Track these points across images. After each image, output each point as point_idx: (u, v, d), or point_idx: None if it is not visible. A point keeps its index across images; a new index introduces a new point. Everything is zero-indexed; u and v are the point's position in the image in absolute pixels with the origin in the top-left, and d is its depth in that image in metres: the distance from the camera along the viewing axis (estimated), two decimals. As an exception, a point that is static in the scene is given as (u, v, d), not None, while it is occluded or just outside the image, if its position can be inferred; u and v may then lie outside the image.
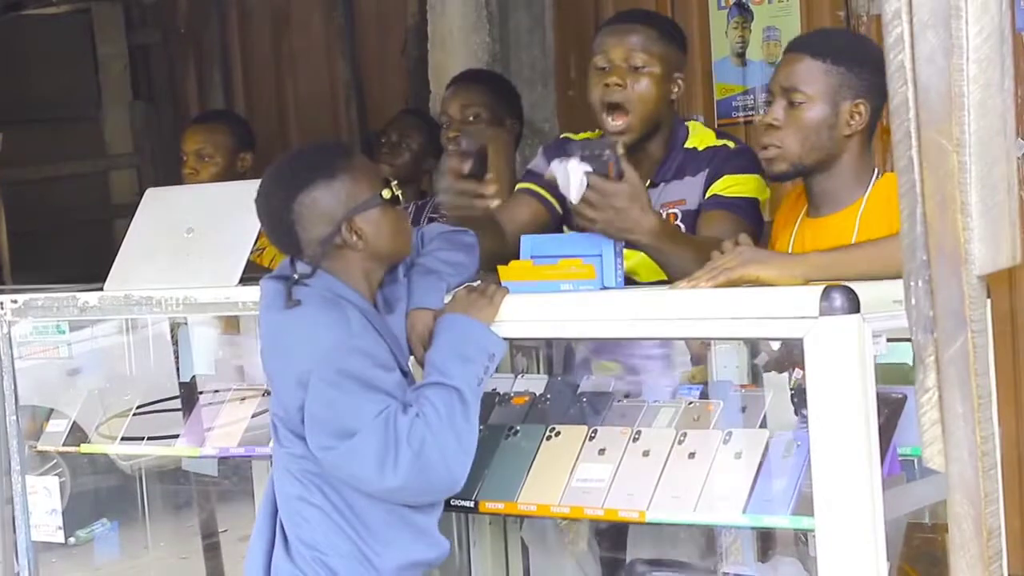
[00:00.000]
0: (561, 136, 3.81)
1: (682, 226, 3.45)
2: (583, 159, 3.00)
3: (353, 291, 2.85)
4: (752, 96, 5.43)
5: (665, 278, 3.17)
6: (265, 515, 2.95)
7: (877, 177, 3.14)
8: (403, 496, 2.77)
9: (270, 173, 2.95)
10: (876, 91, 3.03)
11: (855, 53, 3.14)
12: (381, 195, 2.87)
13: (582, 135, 3.70)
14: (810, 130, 3.10)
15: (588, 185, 2.98)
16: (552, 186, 3.49)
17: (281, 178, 2.92)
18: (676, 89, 3.51)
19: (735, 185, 3.46)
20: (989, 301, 2.09)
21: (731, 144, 3.56)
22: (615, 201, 2.98)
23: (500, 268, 2.96)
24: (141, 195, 3.90)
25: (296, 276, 2.84)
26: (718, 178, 3.46)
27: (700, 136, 3.57)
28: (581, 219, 3.03)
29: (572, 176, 2.99)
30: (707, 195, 3.47)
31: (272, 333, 2.90)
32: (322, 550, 2.82)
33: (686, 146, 3.54)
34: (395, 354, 2.84)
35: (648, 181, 3.45)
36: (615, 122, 3.43)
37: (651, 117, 3.46)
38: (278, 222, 2.90)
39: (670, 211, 3.48)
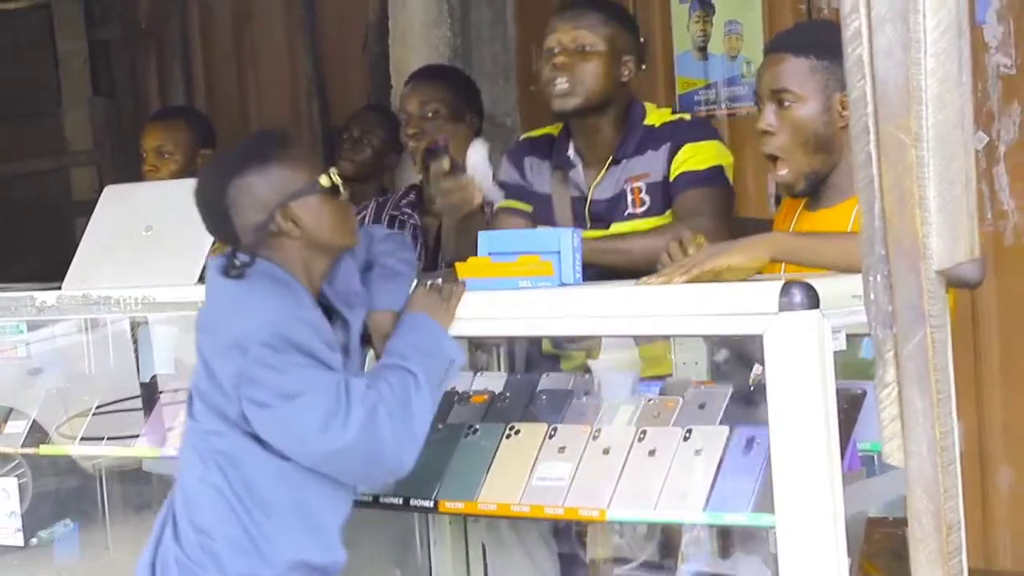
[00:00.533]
0: (521, 138, 3.93)
1: (647, 198, 3.56)
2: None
3: (294, 279, 2.78)
4: (714, 90, 5.43)
5: None
6: (168, 502, 2.88)
7: None
8: (343, 463, 2.68)
9: (207, 162, 2.92)
10: None
11: (837, 44, 3.10)
12: (318, 182, 2.81)
13: (540, 131, 3.77)
14: (807, 130, 3.07)
15: None
16: (526, 193, 3.57)
17: (216, 166, 2.90)
18: (627, 72, 3.62)
19: (697, 155, 3.55)
20: (948, 295, 2.09)
21: (686, 116, 3.71)
22: None
23: (457, 265, 2.95)
24: (101, 192, 3.87)
25: (237, 263, 2.77)
26: (679, 149, 3.56)
27: (657, 114, 3.68)
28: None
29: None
30: (674, 171, 3.56)
31: (212, 302, 2.83)
32: (210, 534, 2.73)
33: (645, 123, 3.65)
34: (346, 345, 2.79)
35: (609, 158, 3.62)
36: (561, 101, 3.56)
37: (598, 96, 3.57)
38: (213, 209, 2.83)
39: (634, 185, 3.58)
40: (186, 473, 2.82)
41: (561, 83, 3.55)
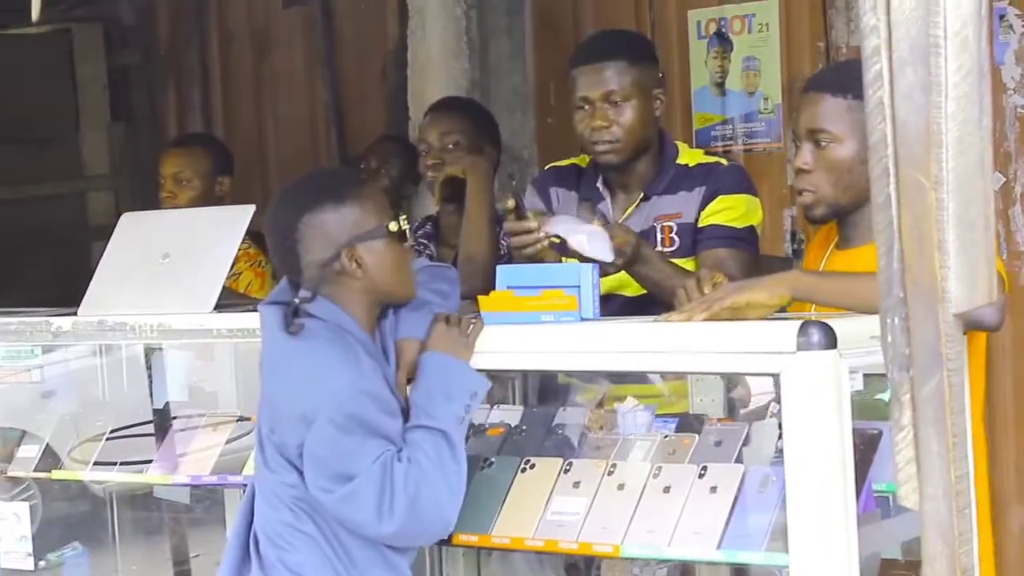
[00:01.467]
0: (547, 168, 3.88)
1: (677, 239, 3.55)
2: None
3: (354, 322, 2.82)
4: (731, 126, 5.44)
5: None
6: (237, 534, 2.93)
7: None
8: (398, 540, 2.79)
9: (282, 192, 2.96)
10: None
11: None
12: (387, 226, 2.85)
13: (567, 161, 3.76)
14: (842, 169, 3.05)
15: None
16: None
17: (291, 197, 2.92)
18: (658, 104, 3.62)
19: (731, 209, 3.54)
20: (965, 338, 2.09)
21: (723, 161, 3.67)
22: None
23: (480, 299, 2.95)
24: (118, 217, 3.88)
25: (297, 301, 2.82)
26: (714, 197, 3.55)
27: (690, 154, 3.67)
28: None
29: (591, 239, 3.10)
30: (704, 218, 3.55)
31: (276, 359, 2.87)
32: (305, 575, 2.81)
33: (677, 162, 3.63)
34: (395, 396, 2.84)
35: (640, 195, 3.61)
36: (606, 156, 3.56)
37: (640, 141, 3.57)
38: (282, 240, 2.87)
39: (665, 223, 3.57)
40: (270, 515, 2.86)
41: (603, 145, 3.53)
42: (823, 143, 3.06)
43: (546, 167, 3.89)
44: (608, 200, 3.64)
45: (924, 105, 1.99)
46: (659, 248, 3.54)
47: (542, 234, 3.15)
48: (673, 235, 3.56)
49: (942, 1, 1.95)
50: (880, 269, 2.06)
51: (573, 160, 3.78)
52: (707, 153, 3.71)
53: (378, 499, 2.69)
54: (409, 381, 2.88)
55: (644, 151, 3.60)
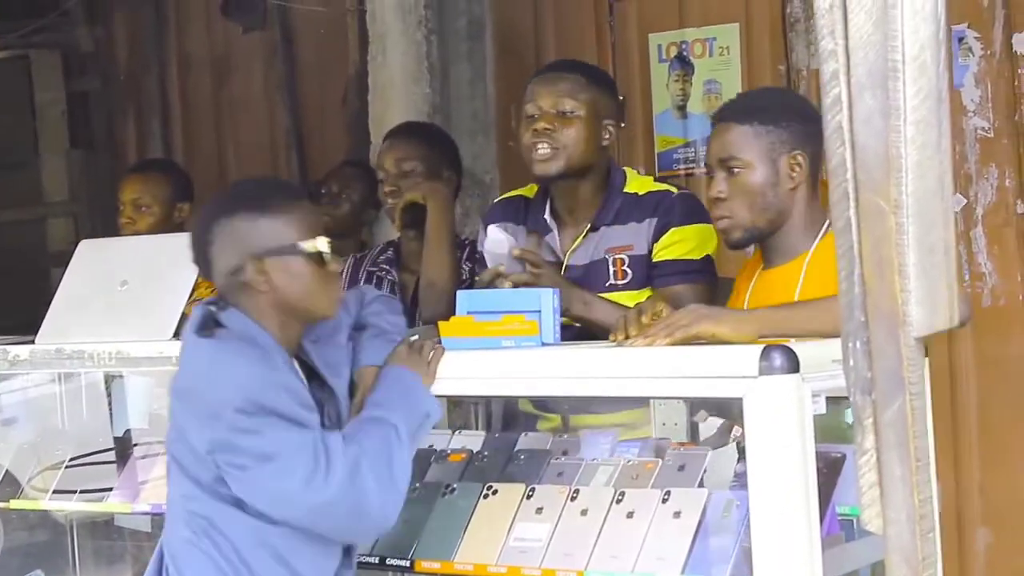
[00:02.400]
0: (494, 202, 3.90)
1: (630, 271, 3.50)
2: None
3: (268, 335, 2.73)
4: (693, 149, 5.45)
5: None
6: (156, 557, 2.87)
7: (828, 228, 3.15)
8: (327, 517, 2.66)
9: (213, 195, 2.89)
10: (809, 139, 3.09)
11: (779, 108, 3.20)
12: (302, 245, 2.74)
13: (514, 192, 3.76)
14: (756, 194, 3.14)
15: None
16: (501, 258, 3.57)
17: (216, 200, 2.86)
18: (607, 136, 3.58)
19: (684, 241, 3.50)
20: (927, 360, 2.09)
21: (673, 190, 3.61)
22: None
23: (441, 324, 2.94)
24: (78, 243, 3.86)
25: (213, 317, 2.75)
26: (666, 230, 3.51)
27: (639, 181, 3.63)
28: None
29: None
30: (658, 252, 3.51)
31: (186, 365, 2.80)
32: None
33: (625, 190, 3.59)
34: (329, 411, 2.78)
35: (588, 225, 3.56)
36: (543, 166, 3.52)
37: (579, 160, 3.53)
38: (197, 241, 2.82)
39: (617, 256, 3.53)
40: (172, 533, 2.81)
41: (543, 148, 3.50)
42: (735, 170, 3.14)
43: (494, 201, 3.89)
44: (555, 232, 3.60)
45: (883, 129, 1.99)
46: (612, 281, 3.51)
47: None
48: (626, 267, 3.52)
49: (900, 26, 1.95)
50: (841, 293, 2.05)
51: (521, 191, 3.77)
52: (657, 180, 3.67)
53: (310, 466, 2.59)
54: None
55: (585, 174, 3.55)
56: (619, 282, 3.50)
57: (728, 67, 5.37)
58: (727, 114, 3.24)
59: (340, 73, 6.25)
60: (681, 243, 3.50)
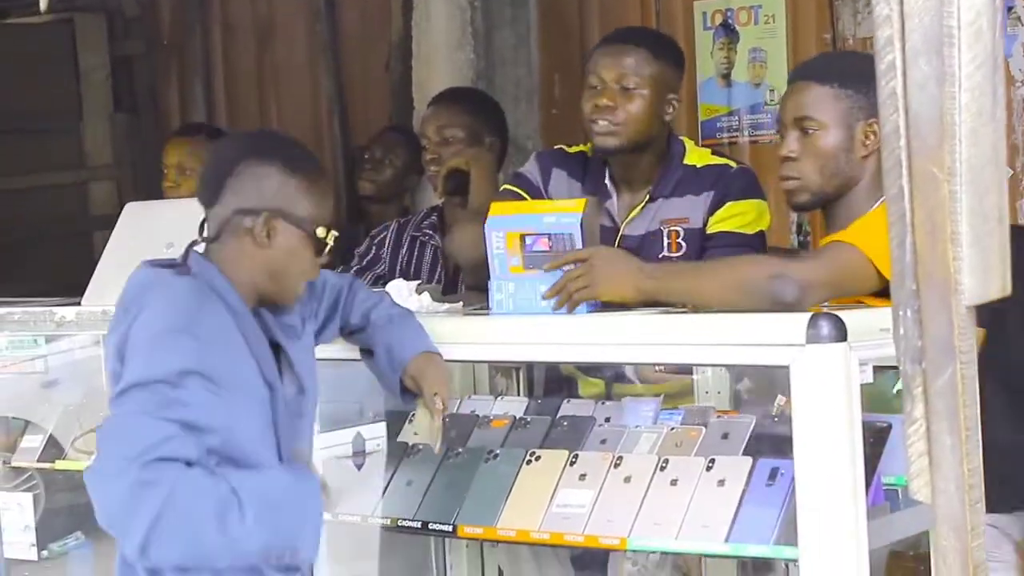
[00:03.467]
0: (555, 148, 3.80)
1: (684, 244, 3.49)
2: None
3: (233, 290, 2.65)
4: (737, 117, 5.42)
5: None
6: None
7: (882, 200, 3.10)
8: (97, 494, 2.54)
9: (250, 131, 2.79)
10: None
11: (862, 74, 3.09)
12: (315, 228, 2.69)
13: (575, 148, 3.71)
14: (828, 157, 3.07)
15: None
16: (531, 187, 3.57)
17: (254, 138, 2.77)
18: (671, 109, 3.54)
19: (740, 216, 3.49)
20: (977, 330, 2.07)
21: (732, 164, 3.59)
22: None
23: (493, 204, 2.99)
24: (121, 207, 3.87)
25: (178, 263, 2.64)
26: (722, 203, 3.49)
27: (697, 153, 3.60)
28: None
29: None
30: (713, 225, 3.50)
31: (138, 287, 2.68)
32: None
33: (684, 162, 3.57)
34: (264, 371, 2.66)
35: (647, 196, 3.53)
36: (604, 139, 3.47)
37: (640, 136, 3.49)
38: (218, 166, 2.71)
39: (672, 228, 3.51)
40: None
41: (603, 123, 3.45)
42: (809, 131, 3.08)
43: (554, 147, 3.80)
44: (615, 198, 3.58)
45: (938, 96, 1.97)
46: (665, 253, 3.50)
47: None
48: (680, 240, 3.50)
49: (956, -10, 1.93)
50: (893, 261, 2.04)
51: (582, 147, 3.70)
52: (714, 153, 3.63)
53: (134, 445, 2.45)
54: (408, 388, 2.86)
55: (645, 147, 3.52)
56: (673, 254, 3.49)
57: (773, 35, 5.33)
58: (808, 72, 3.17)
59: (383, 38, 6.23)
60: (737, 216, 3.48)
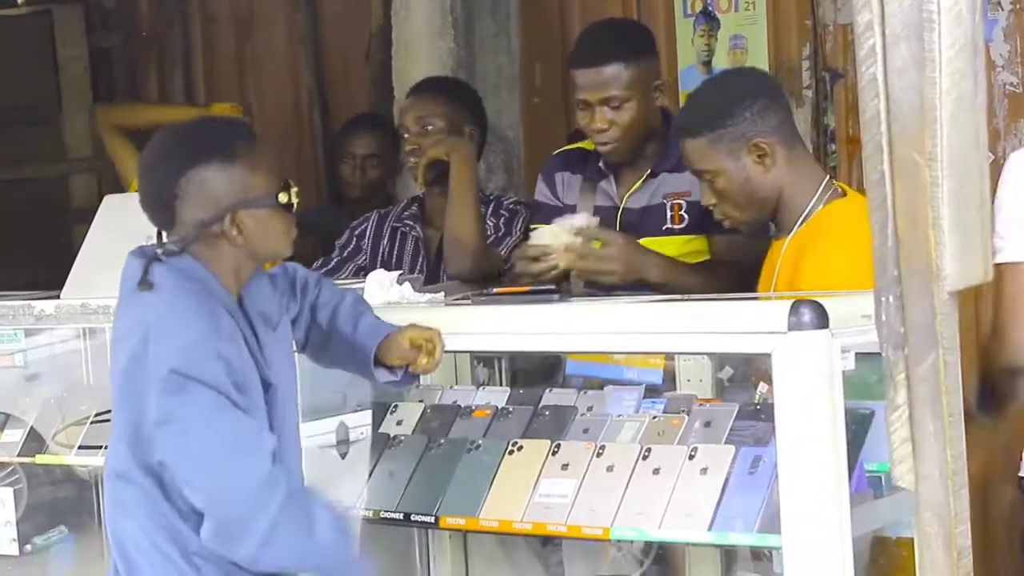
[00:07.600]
0: (554, 153, 3.93)
1: (687, 216, 3.59)
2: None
3: (219, 283, 2.65)
4: (718, 105, 5.40)
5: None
6: None
7: (826, 195, 3.20)
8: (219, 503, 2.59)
9: (162, 137, 2.70)
10: (763, 118, 3.17)
11: (719, 107, 3.23)
12: (277, 197, 2.66)
13: (574, 145, 3.83)
14: (738, 194, 3.22)
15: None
16: (557, 212, 3.66)
17: (174, 145, 2.68)
18: (658, 95, 3.66)
19: None
20: (958, 316, 2.07)
21: None
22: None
23: None
24: (100, 199, 3.85)
25: (160, 253, 2.63)
26: None
27: None
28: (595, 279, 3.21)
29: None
30: None
31: (123, 324, 2.68)
32: None
33: None
34: (260, 368, 2.67)
35: (648, 171, 3.66)
36: (610, 156, 3.64)
37: (639, 133, 3.63)
38: (158, 193, 2.65)
39: (675, 201, 3.62)
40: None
41: (603, 142, 3.60)
42: (710, 179, 3.23)
43: (554, 153, 3.93)
44: (612, 178, 3.68)
45: (918, 81, 1.97)
46: (668, 225, 3.60)
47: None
48: (683, 212, 3.60)
49: (936, -25, 1.93)
50: (874, 247, 2.04)
51: (580, 144, 3.82)
52: None
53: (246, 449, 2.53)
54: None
55: (648, 138, 3.64)
56: (676, 226, 3.60)
57: (754, 22, 5.32)
58: (680, 131, 3.31)
59: (363, 27, 6.21)
60: None
